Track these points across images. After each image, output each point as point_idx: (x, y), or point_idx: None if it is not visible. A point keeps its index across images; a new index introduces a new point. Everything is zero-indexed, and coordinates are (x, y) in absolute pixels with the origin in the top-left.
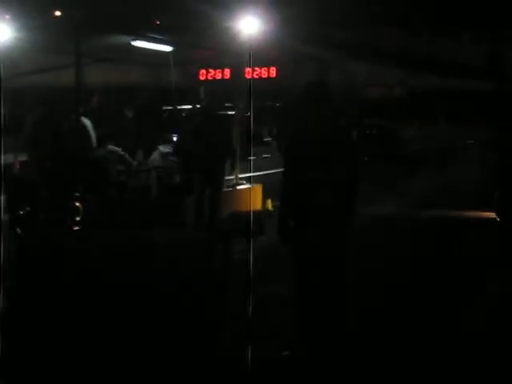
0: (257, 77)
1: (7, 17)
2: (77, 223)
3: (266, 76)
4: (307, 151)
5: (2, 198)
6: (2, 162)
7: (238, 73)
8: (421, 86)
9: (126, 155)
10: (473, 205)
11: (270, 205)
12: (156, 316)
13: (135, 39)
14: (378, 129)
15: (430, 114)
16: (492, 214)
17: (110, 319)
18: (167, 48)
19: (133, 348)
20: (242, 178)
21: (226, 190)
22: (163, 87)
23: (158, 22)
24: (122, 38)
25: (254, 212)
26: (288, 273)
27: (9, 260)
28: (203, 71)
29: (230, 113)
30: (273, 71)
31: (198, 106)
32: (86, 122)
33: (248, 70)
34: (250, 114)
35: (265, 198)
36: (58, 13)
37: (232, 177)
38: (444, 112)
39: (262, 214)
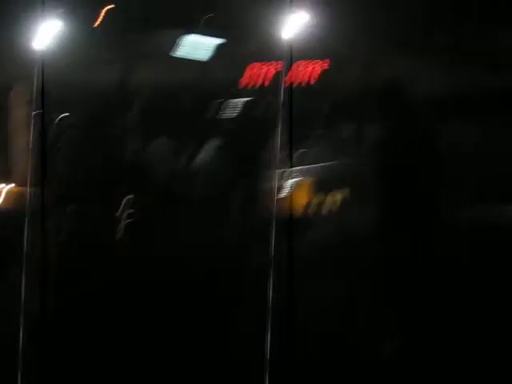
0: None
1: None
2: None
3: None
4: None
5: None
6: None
7: (285, 67)
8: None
9: (174, 153)
10: None
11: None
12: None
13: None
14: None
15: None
16: None
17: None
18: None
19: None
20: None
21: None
22: (211, 82)
23: (208, 17)
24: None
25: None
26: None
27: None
28: (251, 65)
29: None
30: (325, 64)
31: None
32: None
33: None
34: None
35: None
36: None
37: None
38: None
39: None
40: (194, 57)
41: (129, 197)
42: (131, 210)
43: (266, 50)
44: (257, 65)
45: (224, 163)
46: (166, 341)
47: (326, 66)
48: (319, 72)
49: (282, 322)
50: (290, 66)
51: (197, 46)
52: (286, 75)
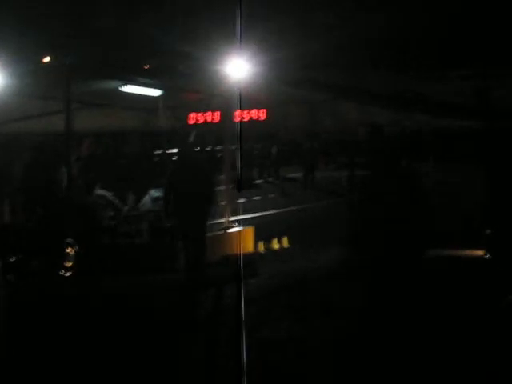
0: (247, 119)
1: None
2: (68, 269)
3: (255, 118)
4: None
5: None
6: None
7: (227, 116)
8: (411, 125)
9: (116, 200)
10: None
11: (262, 247)
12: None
13: (124, 84)
14: None
15: (421, 152)
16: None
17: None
18: (156, 92)
19: None
20: (233, 221)
21: (216, 233)
22: (153, 132)
23: (147, 67)
24: (110, 83)
25: (245, 255)
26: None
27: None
28: (193, 115)
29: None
30: (262, 114)
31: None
32: None
33: (237, 112)
34: (238, 156)
35: (257, 240)
36: (47, 59)
37: (223, 220)
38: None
39: (254, 257)
40: (136, 105)
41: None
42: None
43: (207, 99)
44: (196, 115)
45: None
46: None
47: (264, 115)
48: (262, 119)
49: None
50: (233, 113)
51: (138, 96)
52: (229, 123)
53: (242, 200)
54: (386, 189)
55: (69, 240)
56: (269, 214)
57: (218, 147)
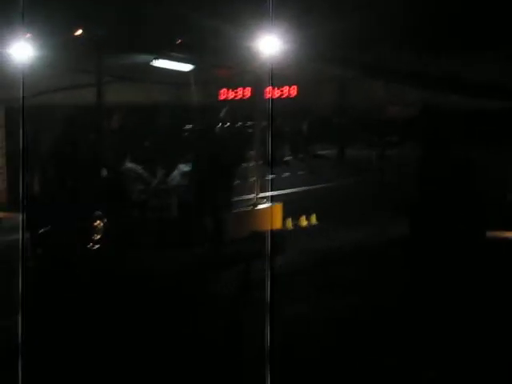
0: (278, 96)
1: (28, 35)
2: (97, 242)
3: (286, 95)
4: None
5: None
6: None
7: (258, 92)
8: (442, 105)
9: (146, 174)
10: None
11: (289, 223)
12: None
13: (156, 58)
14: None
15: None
16: None
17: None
18: (187, 67)
19: None
20: (262, 197)
21: (245, 209)
22: (183, 107)
23: (179, 42)
24: (143, 57)
25: (273, 231)
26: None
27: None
28: (224, 90)
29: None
30: (293, 90)
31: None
32: None
33: (269, 88)
34: (269, 132)
35: (285, 216)
36: (79, 32)
37: (252, 196)
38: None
39: (282, 233)
40: (168, 80)
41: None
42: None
43: (239, 75)
44: (227, 91)
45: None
46: None
47: (295, 92)
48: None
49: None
50: (264, 90)
51: (170, 71)
52: (259, 100)
53: (271, 176)
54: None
55: (97, 213)
56: (298, 191)
57: (249, 123)
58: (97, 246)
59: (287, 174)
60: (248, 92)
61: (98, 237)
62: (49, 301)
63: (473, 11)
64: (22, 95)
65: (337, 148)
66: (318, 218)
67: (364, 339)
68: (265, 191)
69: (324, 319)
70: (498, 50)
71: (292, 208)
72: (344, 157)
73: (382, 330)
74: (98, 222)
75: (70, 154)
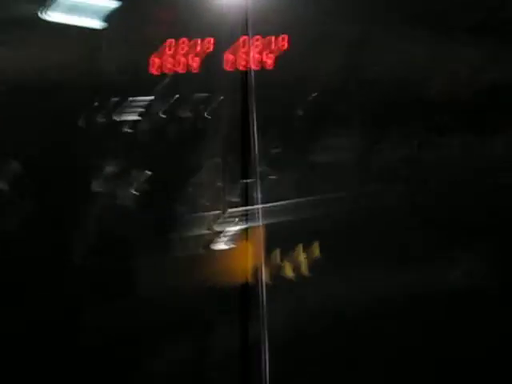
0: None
1: None
2: None
3: (269, 52)
4: None
5: None
6: None
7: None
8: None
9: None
10: None
11: (289, 269)
12: None
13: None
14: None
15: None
16: None
17: None
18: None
19: None
20: (228, 220)
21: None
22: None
23: None
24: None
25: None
26: None
27: None
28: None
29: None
30: (283, 42)
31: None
32: None
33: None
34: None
35: (270, 249)
36: None
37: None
38: None
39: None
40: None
41: None
42: None
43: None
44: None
45: None
46: None
47: (284, 44)
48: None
49: None
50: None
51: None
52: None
53: (247, 181)
54: None
55: None
56: (291, 204)
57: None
58: None
59: (273, 176)
60: (209, 45)
61: None
62: None
63: None
64: None
65: (355, 135)
66: (321, 250)
67: None
68: (236, 206)
69: None
70: None
71: (281, 234)
72: (368, 150)
73: None
74: None
75: None
